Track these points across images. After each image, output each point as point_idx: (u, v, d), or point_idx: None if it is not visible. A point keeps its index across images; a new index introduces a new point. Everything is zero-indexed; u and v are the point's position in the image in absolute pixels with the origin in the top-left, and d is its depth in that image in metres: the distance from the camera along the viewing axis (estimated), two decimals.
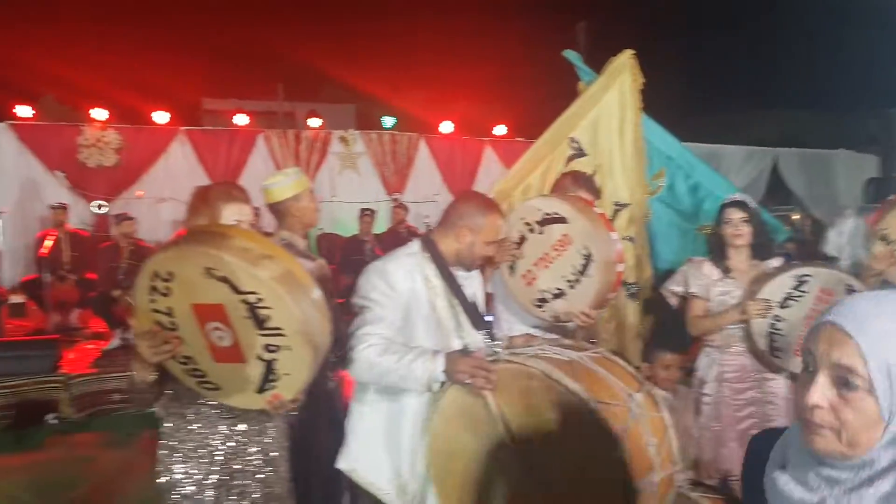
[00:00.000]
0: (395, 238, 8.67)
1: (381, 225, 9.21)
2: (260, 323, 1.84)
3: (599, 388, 1.94)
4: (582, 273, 2.59)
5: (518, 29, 11.89)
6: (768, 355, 3.17)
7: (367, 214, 8.59)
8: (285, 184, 2.99)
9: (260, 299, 1.81)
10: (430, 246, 2.43)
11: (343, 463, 2.51)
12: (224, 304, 1.84)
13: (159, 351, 1.95)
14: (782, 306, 3.12)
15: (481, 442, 2.08)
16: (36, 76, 11.17)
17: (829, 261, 4.24)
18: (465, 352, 2.17)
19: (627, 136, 3.99)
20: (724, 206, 3.30)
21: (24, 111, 8.63)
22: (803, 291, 3.10)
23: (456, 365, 2.11)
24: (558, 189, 3.16)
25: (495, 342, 2.38)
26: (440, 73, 12.42)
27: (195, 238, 1.90)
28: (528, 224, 2.76)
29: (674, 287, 3.39)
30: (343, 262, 7.87)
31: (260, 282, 1.79)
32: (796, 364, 3.10)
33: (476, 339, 2.41)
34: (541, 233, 2.72)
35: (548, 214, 2.70)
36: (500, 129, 10.40)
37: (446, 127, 10.21)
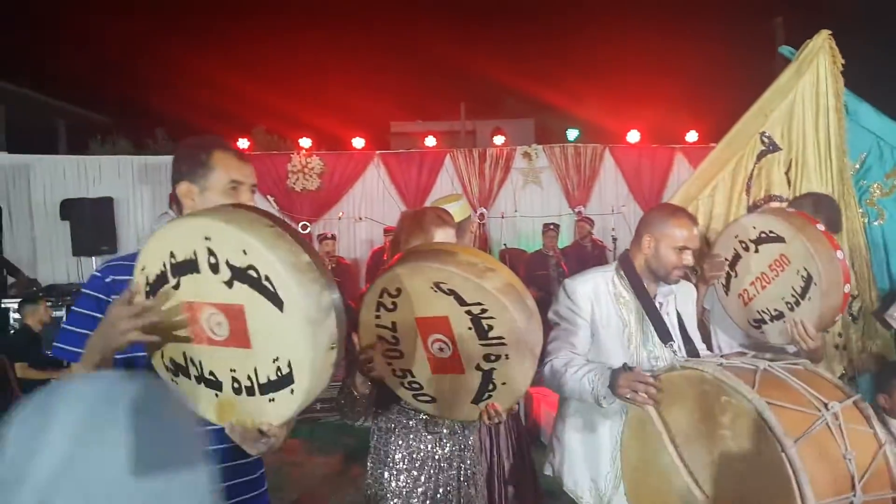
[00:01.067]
0: (580, 252, 8.60)
1: (564, 239, 9.18)
2: (482, 333, 1.93)
3: (782, 395, 1.82)
4: (802, 296, 2.50)
5: (707, 30, 11.35)
6: None
7: (550, 229, 8.59)
8: (460, 206, 3.26)
9: (484, 310, 1.89)
10: (624, 261, 2.51)
11: (548, 469, 2.67)
12: (448, 316, 1.95)
13: (380, 365, 2.08)
14: None
15: (661, 454, 2.06)
16: (249, 108, 12.50)
17: None
18: (627, 367, 2.16)
19: (824, 126, 3.63)
20: None
21: (242, 143, 9.69)
22: None
23: (617, 380, 2.13)
24: (796, 207, 2.99)
25: (692, 356, 2.37)
26: (625, 81, 12.20)
27: (423, 256, 2.02)
28: (742, 242, 2.69)
29: None
30: (527, 277, 7.93)
31: (485, 293, 1.88)
32: None
33: (663, 353, 2.41)
34: (756, 251, 2.65)
35: (763, 233, 2.62)
36: (692, 136, 9.93)
37: (633, 136, 9.94)
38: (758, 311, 2.69)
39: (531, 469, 3.57)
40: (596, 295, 2.46)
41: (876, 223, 3.85)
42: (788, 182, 3.68)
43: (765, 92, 3.77)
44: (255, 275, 1.37)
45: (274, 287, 1.36)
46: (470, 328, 1.94)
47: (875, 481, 1.77)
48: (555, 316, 2.53)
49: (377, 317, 2.06)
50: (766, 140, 3.74)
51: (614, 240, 8.76)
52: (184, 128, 10.27)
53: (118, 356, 1.58)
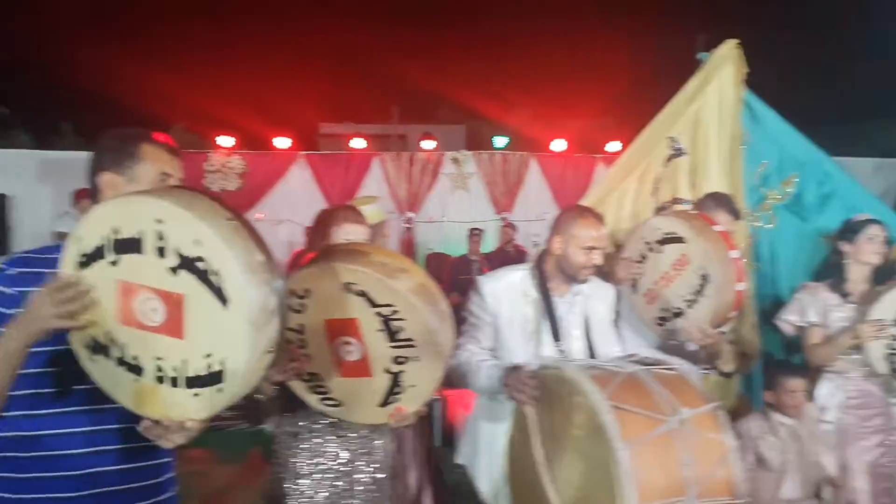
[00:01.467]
0: (503, 257, 8.66)
1: (489, 244, 9.24)
2: (392, 335, 1.90)
3: (637, 399, 1.83)
4: (699, 293, 2.62)
5: (633, 44, 11.70)
6: (890, 378, 3.11)
7: (475, 234, 8.63)
8: (374, 208, 3.28)
9: (395, 311, 1.87)
10: (537, 260, 2.59)
11: (458, 458, 2.75)
12: (358, 319, 1.92)
13: (286, 369, 2.03)
14: None
15: (533, 450, 2.08)
16: (168, 105, 12.07)
17: None
18: (516, 366, 2.21)
19: (725, 133, 3.78)
20: (865, 223, 3.22)
21: None
22: None
23: (506, 378, 2.21)
24: (699, 209, 3.17)
25: (595, 356, 2.45)
26: (553, 91, 12.42)
27: (335, 256, 1.97)
28: (648, 243, 2.82)
29: (789, 317, 3.29)
30: (451, 282, 7.93)
31: (396, 294, 1.86)
32: None
33: (553, 351, 2.48)
34: (660, 252, 2.78)
35: (666, 234, 2.76)
36: (614, 146, 10.20)
37: (558, 145, 10.13)
38: (661, 309, 2.79)
39: (437, 471, 3.54)
40: (504, 292, 2.54)
41: (768, 227, 4.03)
42: (693, 186, 3.80)
43: (674, 97, 3.89)
44: (203, 267, 1.30)
45: (222, 283, 1.30)
46: (380, 330, 1.91)
47: (714, 488, 1.78)
48: (466, 312, 2.60)
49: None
50: (674, 145, 3.85)
51: (535, 245, 8.87)
52: (94, 122, 9.80)
53: (40, 349, 1.50)
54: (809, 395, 3.18)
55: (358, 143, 9.78)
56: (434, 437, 5.05)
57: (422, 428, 3.53)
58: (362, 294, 1.88)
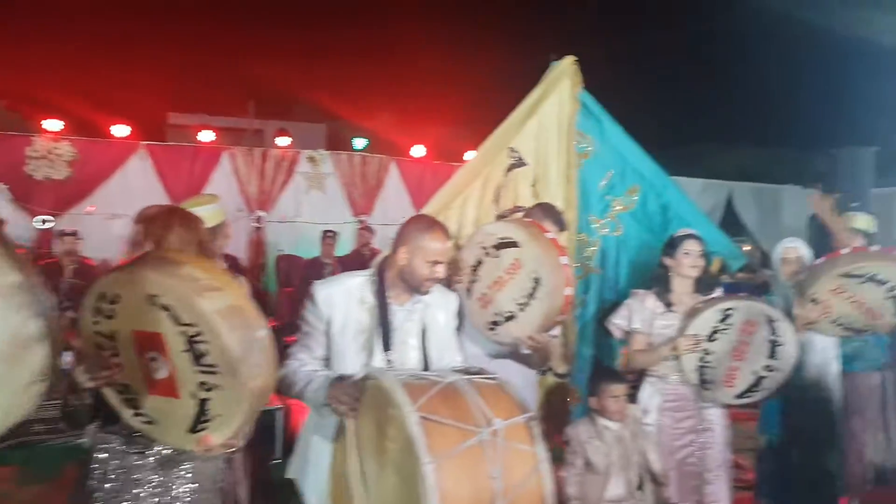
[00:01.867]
0: (359, 261, 8.54)
1: (345, 247, 9.09)
2: (197, 358, 1.75)
3: (450, 410, 1.83)
4: (531, 297, 2.68)
5: (492, 57, 12.01)
6: (699, 388, 3.31)
7: (328, 236, 8.40)
8: (212, 209, 3.12)
9: (199, 332, 1.72)
10: (379, 267, 2.50)
11: (290, 472, 2.63)
12: (163, 335, 1.76)
13: (97, 376, 1.86)
14: (710, 340, 3.26)
15: (351, 463, 2.06)
16: None
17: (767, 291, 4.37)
18: (342, 377, 2.17)
19: (564, 146, 3.99)
20: (683, 238, 3.40)
21: None
22: (728, 324, 3.24)
23: (329, 390, 2.16)
24: (528, 217, 3.24)
25: (429, 366, 2.42)
26: (416, 97, 12.43)
27: (146, 262, 1.82)
28: (484, 248, 2.86)
29: (618, 321, 3.47)
30: (302, 285, 7.70)
31: (200, 314, 1.70)
32: (725, 395, 3.33)
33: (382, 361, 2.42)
34: (496, 257, 2.83)
35: (501, 239, 2.80)
36: (472, 155, 10.39)
37: (418, 150, 10.19)
38: (494, 314, 2.84)
39: (271, 486, 3.38)
40: (339, 298, 2.44)
41: (614, 235, 4.23)
42: (535, 195, 3.93)
43: (517, 109, 4.00)
44: None
45: None
46: (185, 350, 1.76)
47: (523, 500, 1.79)
48: (300, 319, 2.51)
49: (95, 323, 1.83)
50: (514, 155, 3.96)
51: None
52: None
53: None
54: (633, 398, 3.35)
55: (206, 136, 9.24)
56: (276, 449, 4.84)
57: (253, 439, 3.33)
58: (166, 309, 1.73)
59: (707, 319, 3.22)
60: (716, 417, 3.39)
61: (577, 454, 3.15)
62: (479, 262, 2.88)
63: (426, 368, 2.44)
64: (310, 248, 9.21)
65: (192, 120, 11.93)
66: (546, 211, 3.26)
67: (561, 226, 3.21)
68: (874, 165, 7.64)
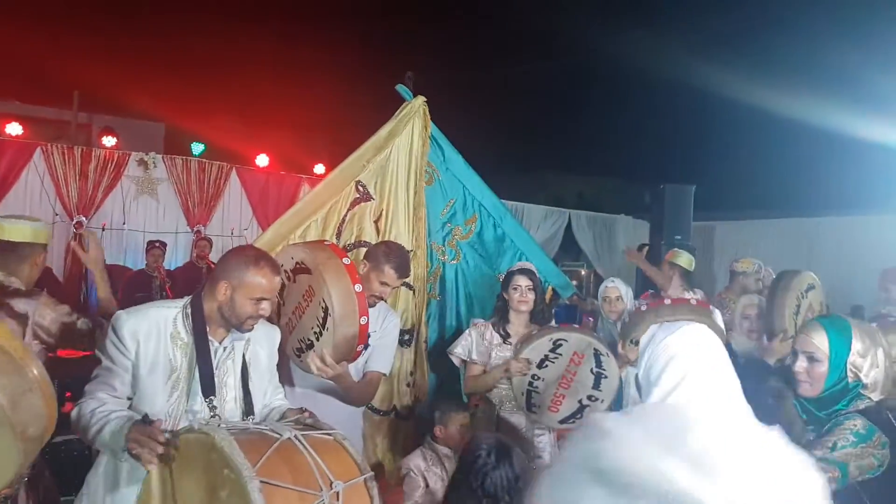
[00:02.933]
0: (193, 274, 7.97)
1: (178, 259, 8.45)
2: None
3: (289, 472, 1.74)
4: (323, 326, 2.58)
5: (345, 71, 11.82)
6: (526, 411, 3.45)
7: (156, 246, 7.67)
8: (34, 228, 2.84)
9: None
10: (195, 301, 2.25)
11: None
12: None
13: None
14: (539, 367, 3.40)
15: None
16: None
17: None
18: (147, 419, 1.95)
19: (413, 185, 3.99)
20: (513, 273, 3.54)
21: None
22: (558, 354, 3.41)
23: (130, 433, 1.90)
24: (368, 255, 3.14)
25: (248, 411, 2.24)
26: (261, 105, 11.91)
27: None
28: (286, 271, 2.74)
29: (458, 350, 3.54)
30: (126, 299, 7.01)
31: None
32: (550, 419, 3.48)
33: (205, 407, 2.21)
34: (294, 281, 2.73)
35: (298, 263, 2.69)
36: (319, 168, 10.16)
37: (262, 160, 9.75)
38: (298, 340, 2.72)
39: None
40: (147, 332, 2.18)
41: (453, 262, 4.30)
42: (378, 231, 3.88)
43: (365, 142, 3.93)
44: None
45: None
46: None
47: None
48: (100, 351, 2.23)
49: None
50: (360, 188, 3.90)
51: None
52: None
53: None
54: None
55: (14, 129, 8.18)
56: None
57: (35, 481, 2.93)
58: None
59: (540, 347, 3.36)
60: (545, 445, 3.51)
61: (418, 485, 3.11)
62: (283, 286, 2.72)
63: (249, 412, 2.23)
64: (138, 259, 8.47)
65: (4, 108, 10.58)
66: (388, 249, 3.12)
67: (402, 271, 3.06)
68: (692, 201, 8.37)
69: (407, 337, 3.86)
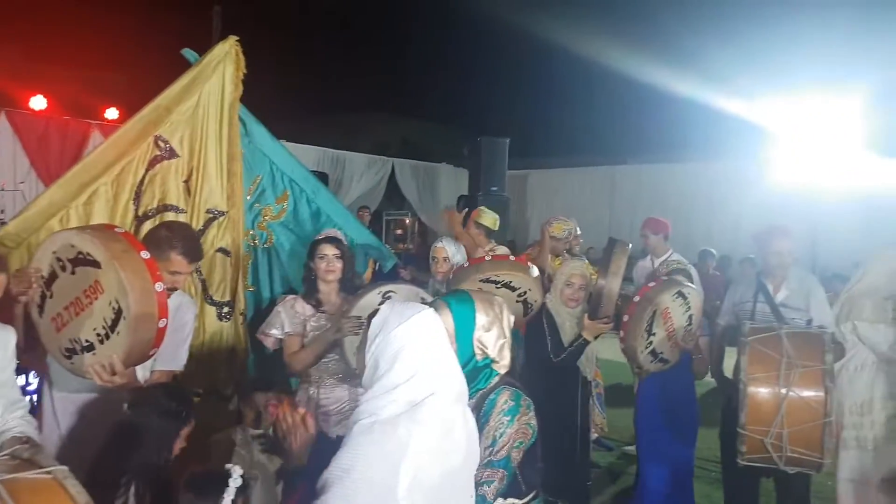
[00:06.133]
0: None
1: None
2: None
3: None
4: (112, 329, 2.30)
5: (141, 8, 10.54)
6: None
7: None
8: None
9: None
10: None
11: None
12: None
13: None
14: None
15: None
16: None
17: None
18: None
19: (226, 135, 3.59)
20: (318, 242, 3.37)
21: None
22: None
23: None
24: (148, 241, 2.67)
25: None
26: (35, 39, 10.29)
27: None
28: (60, 260, 2.38)
29: (270, 330, 3.30)
30: None
31: None
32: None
33: None
34: (73, 273, 2.37)
35: (81, 254, 2.34)
36: (112, 113, 9.06)
37: (38, 102, 8.47)
38: (69, 340, 2.38)
39: None
40: None
41: (265, 246, 3.94)
42: (189, 192, 3.47)
43: (165, 91, 3.42)
44: None
45: None
46: None
47: None
48: None
49: None
50: (162, 144, 3.43)
51: (2, 224, 7.24)
52: None
53: None
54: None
55: None
56: None
57: None
58: None
59: (370, 302, 3.16)
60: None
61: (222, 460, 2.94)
62: (54, 275, 2.37)
63: None
64: None
65: None
66: (170, 231, 2.75)
67: (192, 255, 2.73)
68: (507, 153, 8.63)
69: (226, 310, 3.55)
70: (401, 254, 7.57)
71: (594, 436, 4.93)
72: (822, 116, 8.04)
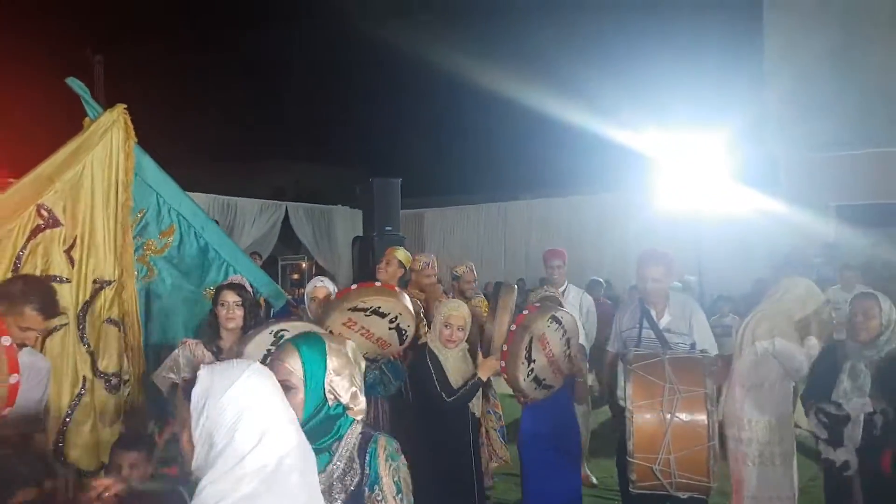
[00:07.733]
0: None
1: None
2: None
3: None
4: None
5: (20, 56, 9.85)
6: None
7: None
8: None
9: None
10: None
11: None
12: None
13: None
14: (264, 362, 3.13)
15: None
16: None
17: None
18: None
19: (113, 201, 3.54)
20: (221, 289, 3.40)
21: None
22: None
23: None
24: (1, 296, 2.66)
25: None
26: None
27: None
28: None
29: (166, 374, 3.27)
30: None
31: None
32: None
33: None
34: None
35: None
36: None
37: None
38: None
39: None
40: None
41: (144, 280, 3.86)
42: (72, 261, 3.40)
43: (49, 158, 3.39)
44: None
45: None
46: None
47: None
48: None
49: None
50: (45, 213, 3.36)
51: None
52: None
53: None
54: None
55: None
56: None
57: None
58: None
59: (261, 341, 3.03)
60: None
61: None
62: None
63: None
64: None
65: None
66: (29, 287, 2.71)
67: (48, 311, 2.69)
68: (399, 192, 8.64)
69: (114, 381, 3.44)
70: (298, 298, 7.32)
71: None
72: (696, 149, 8.54)
